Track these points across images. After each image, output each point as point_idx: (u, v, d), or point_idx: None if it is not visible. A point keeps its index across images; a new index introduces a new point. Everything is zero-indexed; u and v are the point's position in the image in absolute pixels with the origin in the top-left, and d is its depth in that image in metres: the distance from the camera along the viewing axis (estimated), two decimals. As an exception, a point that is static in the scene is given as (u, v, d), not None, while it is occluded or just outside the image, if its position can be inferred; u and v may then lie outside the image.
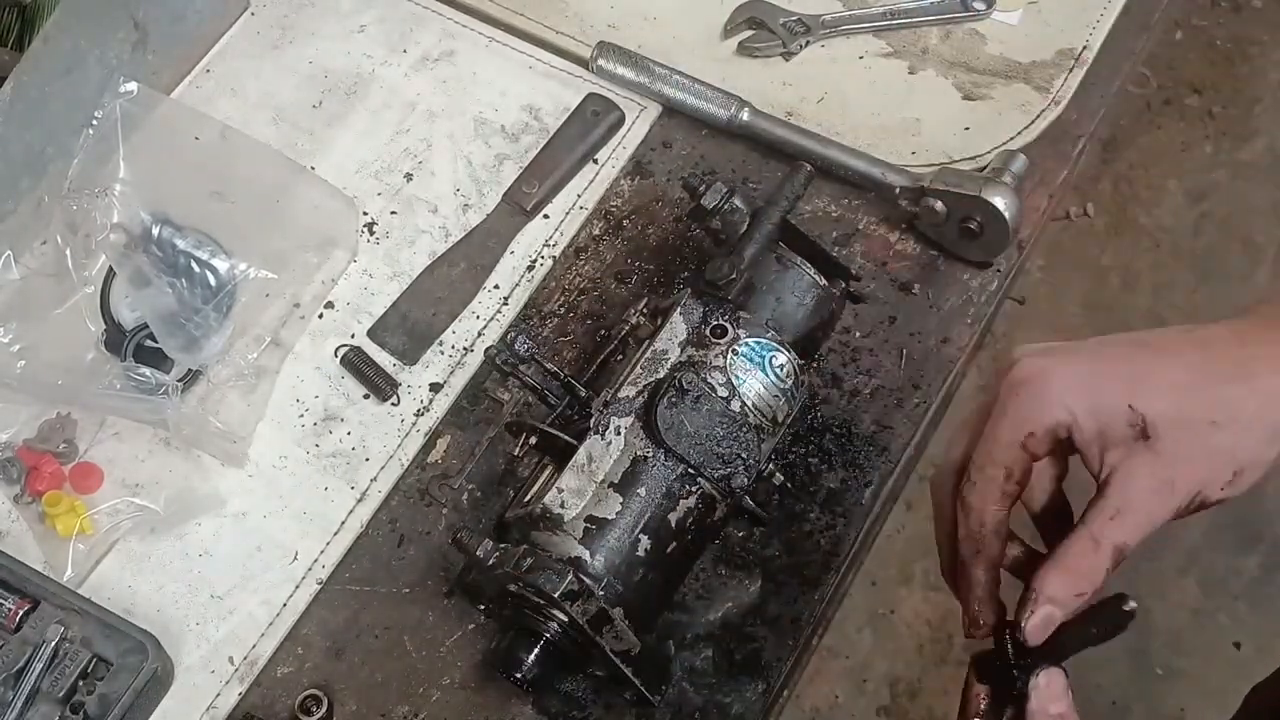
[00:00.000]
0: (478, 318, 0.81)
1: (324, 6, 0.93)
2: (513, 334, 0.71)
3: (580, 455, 0.66)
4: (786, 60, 0.90)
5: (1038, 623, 0.54)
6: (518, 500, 0.70)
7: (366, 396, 0.78)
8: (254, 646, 0.71)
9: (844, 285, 0.75)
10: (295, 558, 0.73)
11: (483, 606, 0.70)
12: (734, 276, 0.69)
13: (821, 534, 0.73)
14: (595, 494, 0.65)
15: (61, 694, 0.67)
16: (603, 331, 0.80)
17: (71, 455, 0.76)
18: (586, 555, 0.64)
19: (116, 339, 0.78)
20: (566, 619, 0.63)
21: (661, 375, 0.68)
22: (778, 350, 0.69)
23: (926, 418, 0.77)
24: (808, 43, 0.90)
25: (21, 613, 0.69)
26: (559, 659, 0.66)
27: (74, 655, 0.68)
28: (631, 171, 0.86)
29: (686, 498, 0.66)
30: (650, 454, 0.66)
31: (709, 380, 0.67)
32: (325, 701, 0.69)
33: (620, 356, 0.73)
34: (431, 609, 0.72)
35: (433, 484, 0.76)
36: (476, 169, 0.86)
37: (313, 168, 0.85)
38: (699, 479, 0.66)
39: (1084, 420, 0.54)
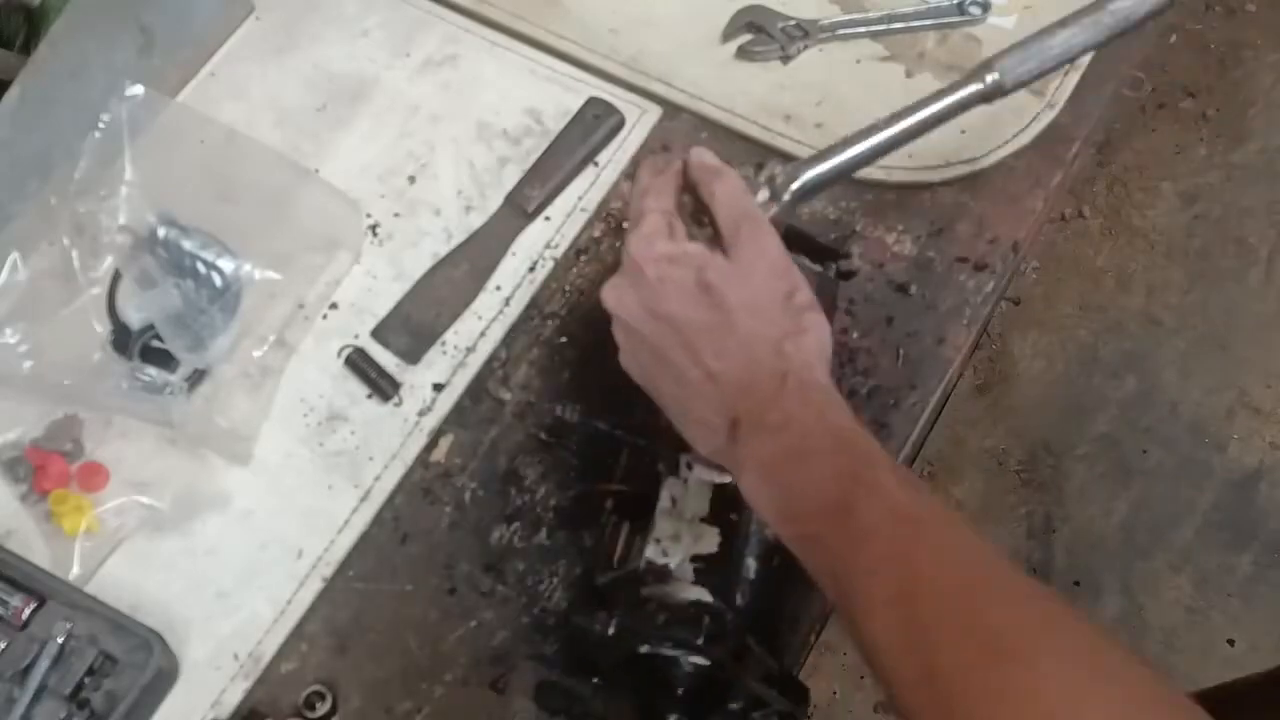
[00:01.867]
0: (480, 318, 0.82)
1: (328, 11, 0.94)
2: (559, 406, 0.71)
3: (664, 499, 0.65)
4: (784, 64, 0.91)
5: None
6: (603, 565, 0.68)
7: (370, 396, 0.79)
8: (259, 643, 0.72)
9: (835, 266, 0.76)
10: (300, 555, 0.74)
11: (595, 680, 0.68)
12: None
13: (820, 532, 0.74)
14: (691, 532, 0.64)
15: (68, 691, 0.68)
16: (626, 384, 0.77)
17: (78, 454, 0.77)
18: (705, 595, 0.63)
19: (123, 339, 0.79)
20: (707, 663, 0.62)
21: None
22: None
23: (923, 418, 0.78)
24: (805, 47, 0.91)
25: (29, 610, 0.70)
26: (697, 706, 0.64)
27: (80, 652, 0.68)
28: (632, 174, 0.87)
29: None
30: (728, 477, 0.64)
31: None
32: (329, 697, 0.70)
33: None
34: (434, 606, 0.73)
35: (436, 482, 0.77)
36: (479, 172, 0.87)
37: (317, 170, 0.86)
38: None
39: None
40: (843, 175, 0.68)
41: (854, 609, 0.53)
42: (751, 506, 0.59)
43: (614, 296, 0.62)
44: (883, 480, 0.55)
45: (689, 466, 0.66)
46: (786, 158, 0.84)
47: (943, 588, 0.52)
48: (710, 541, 0.64)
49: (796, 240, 0.74)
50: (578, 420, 0.72)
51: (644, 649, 0.63)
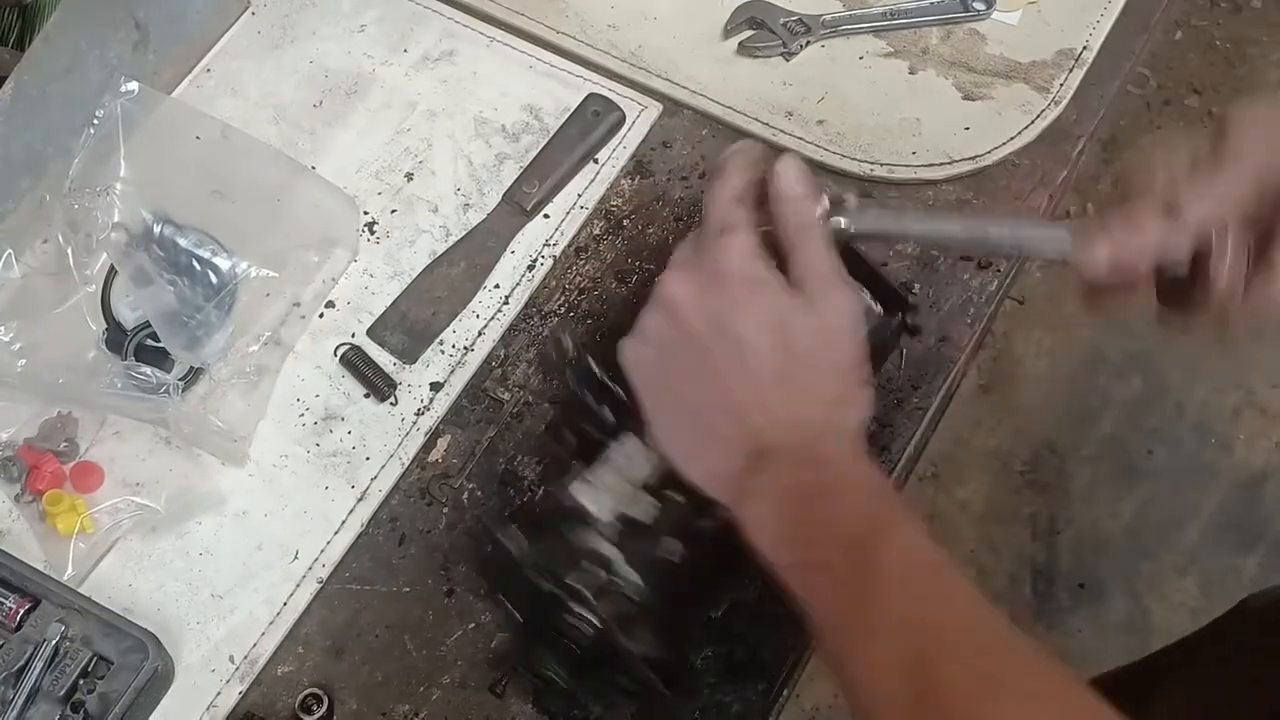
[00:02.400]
0: (478, 317, 0.81)
1: (324, 6, 0.93)
2: (560, 333, 0.70)
3: (617, 454, 0.66)
4: (787, 60, 0.90)
5: None
6: (550, 495, 0.69)
7: (367, 395, 0.78)
8: (254, 645, 0.71)
9: (901, 316, 0.73)
10: (296, 557, 0.74)
11: (502, 596, 0.70)
12: None
13: (821, 533, 0.73)
14: (630, 494, 0.65)
15: (62, 693, 0.67)
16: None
17: (72, 454, 0.76)
18: (618, 556, 0.63)
19: (118, 338, 0.78)
20: (594, 619, 0.62)
21: None
22: None
23: (926, 417, 0.77)
24: (808, 43, 0.90)
25: (22, 611, 0.69)
26: (582, 658, 0.65)
27: (74, 654, 0.68)
28: (632, 171, 0.87)
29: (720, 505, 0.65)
30: None
31: None
32: (326, 700, 0.69)
33: None
34: (432, 608, 0.72)
35: (433, 483, 0.76)
36: (477, 168, 0.86)
37: (313, 167, 0.85)
38: None
39: None
40: (894, 238, 0.66)
41: (850, 631, 0.54)
42: (747, 528, 0.59)
43: (681, 290, 0.61)
44: (909, 530, 0.56)
45: None
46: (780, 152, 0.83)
47: (952, 623, 0.53)
48: (643, 510, 0.64)
49: (868, 278, 0.71)
50: (574, 353, 0.72)
51: (541, 583, 0.63)
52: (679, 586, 0.65)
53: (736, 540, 0.67)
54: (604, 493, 0.65)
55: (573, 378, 0.70)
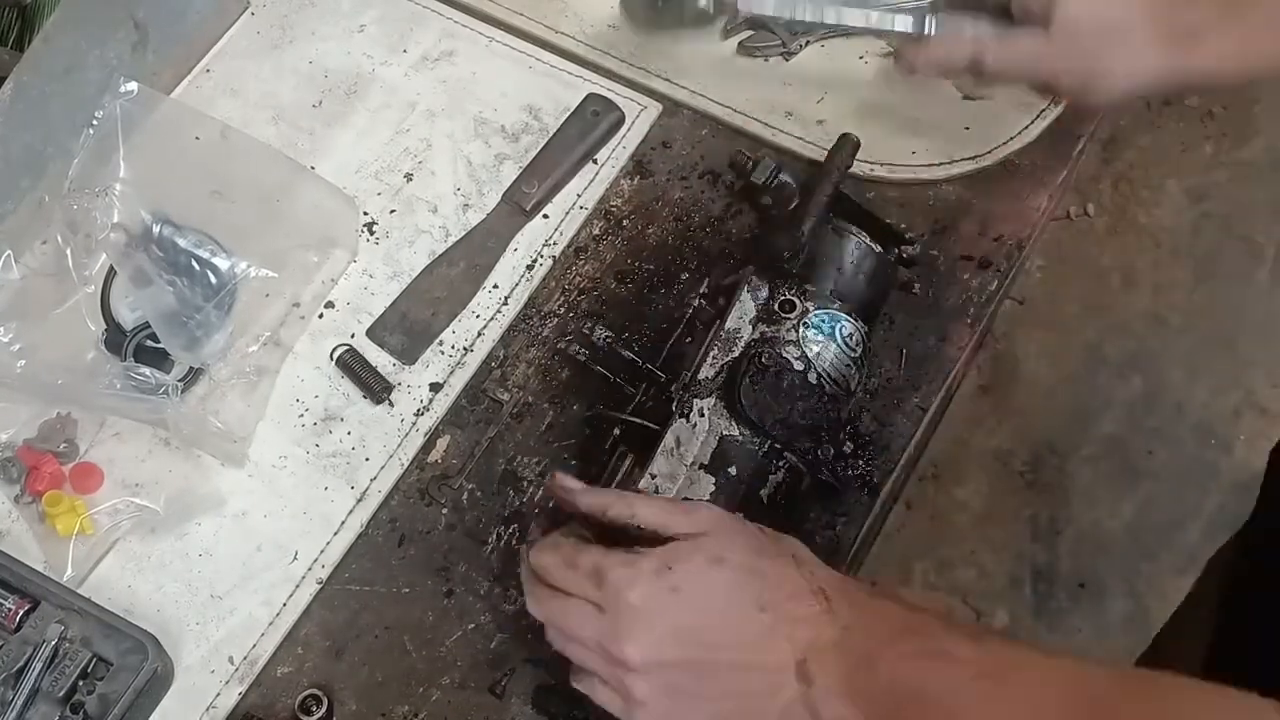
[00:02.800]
0: (477, 317, 0.81)
1: (324, 6, 0.93)
2: (588, 325, 0.71)
3: (668, 439, 0.67)
4: (787, 60, 0.90)
5: None
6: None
7: (366, 396, 0.78)
8: (254, 646, 0.71)
9: (897, 251, 0.75)
10: (295, 557, 0.74)
11: None
12: (797, 250, 0.70)
13: (821, 534, 0.73)
14: (687, 476, 0.66)
15: (61, 694, 0.67)
16: (664, 324, 0.79)
17: (72, 455, 0.76)
18: None
19: (117, 339, 0.78)
20: None
21: (737, 353, 0.69)
22: (845, 319, 0.69)
23: (926, 417, 0.77)
24: (808, 43, 0.90)
25: (22, 612, 0.69)
26: None
27: (74, 655, 0.68)
28: (631, 171, 0.86)
29: (775, 472, 0.67)
30: (736, 432, 0.67)
31: (784, 355, 0.68)
32: (325, 701, 0.69)
33: (689, 339, 0.74)
34: (431, 609, 0.72)
35: (432, 484, 0.76)
36: (476, 169, 0.86)
37: (313, 167, 0.85)
38: (786, 453, 0.67)
39: None
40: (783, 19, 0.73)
41: None
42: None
43: (634, 650, 0.57)
44: (948, 649, 0.56)
45: (700, 413, 0.66)
46: (781, 152, 0.84)
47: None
48: (703, 489, 0.65)
49: (862, 219, 0.73)
50: (605, 345, 0.73)
51: None
52: None
53: (787, 509, 0.68)
54: (664, 480, 0.65)
55: (608, 365, 0.71)
